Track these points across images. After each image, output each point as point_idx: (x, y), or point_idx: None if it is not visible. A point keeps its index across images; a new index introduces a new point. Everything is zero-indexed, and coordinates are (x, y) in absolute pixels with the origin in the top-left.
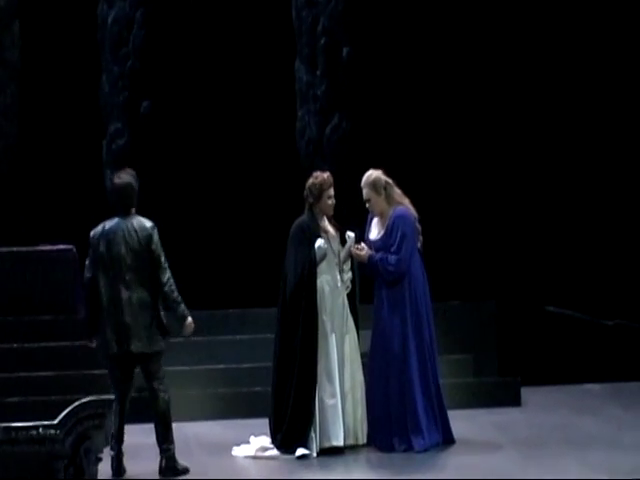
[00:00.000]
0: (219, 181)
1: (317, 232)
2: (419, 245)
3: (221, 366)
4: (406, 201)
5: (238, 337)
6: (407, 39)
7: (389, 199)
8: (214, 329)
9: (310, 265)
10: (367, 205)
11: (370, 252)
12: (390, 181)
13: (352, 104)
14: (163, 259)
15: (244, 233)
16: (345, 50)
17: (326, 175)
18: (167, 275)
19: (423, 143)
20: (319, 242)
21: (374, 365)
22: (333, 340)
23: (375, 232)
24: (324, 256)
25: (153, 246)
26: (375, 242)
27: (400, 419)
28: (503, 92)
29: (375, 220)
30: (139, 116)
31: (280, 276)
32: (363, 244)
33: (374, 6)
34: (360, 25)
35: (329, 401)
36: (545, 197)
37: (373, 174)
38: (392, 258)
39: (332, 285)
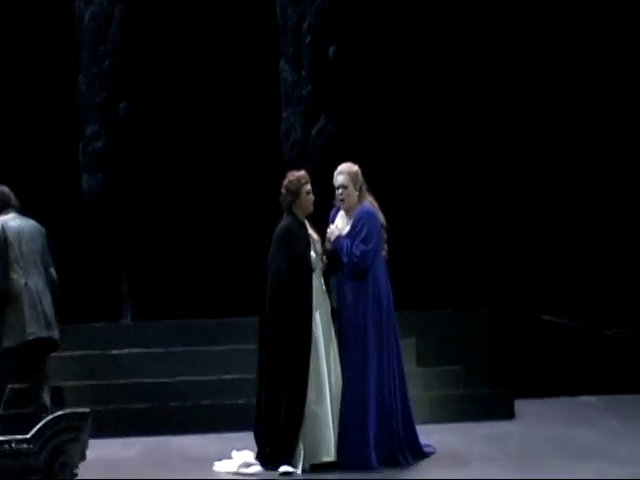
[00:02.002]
0: (200, 185)
1: (306, 237)
2: (384, 253)
3: (202, 378)
4: (376, 205)
5: (218, 348)
6: (396, 37)
7: (360, 197)
8: (193, 339)
9: (305, 272)
10: (339, 192)
11: (339, 234)
12: (364, 182)
13: (339, 105)
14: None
15: (224, 239)
16: (331, 49)
17: (301, 171)
18: None
19: (413, 146)
20: (314, 255)
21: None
22: (322, 349)
23: (341, 228)
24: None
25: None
26: (342, 237)
27: (352, 432)
28: (497, 94)
29: (340, 215)
30: (117, 118)
31: (262, 283)
32: (334, 226)
33: (361, 3)
34: (347, 23)
35: (320, 414)
36: (540, 200)
37: (356, 166)
38: (357, 249)
39: (319, 291)
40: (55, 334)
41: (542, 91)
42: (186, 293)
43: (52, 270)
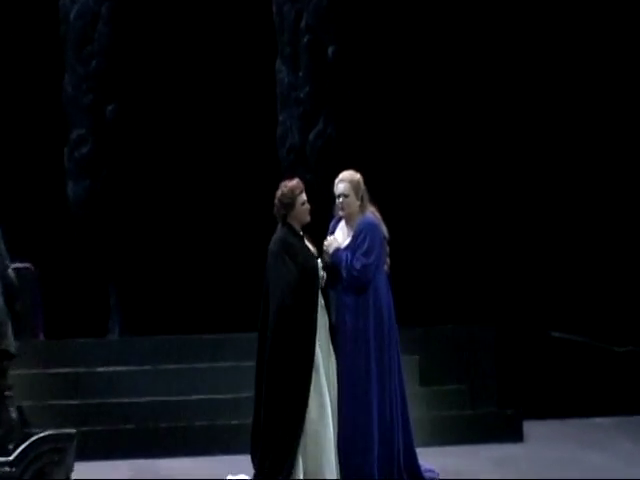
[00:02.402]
0: (192, 193)
1: (308, 248)
2: (386, 267)
3: (194, 397)
4: (379, 216)
5: (212, 365)
6: (398, 37)
7: (362, 207)
8: (187, 356)
9: (312, 287)
10: (339, 200)
11: (339, 245)
12: (366, 191)
13: (338, 108)
14: None
15: (219, 251)
16: (330, 49)
17: (294, 181)
18: None
19: (417, 152)
20: (320, 270)
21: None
22: (321, 367)
23: (341, 240)
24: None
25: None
26: (341, 250)
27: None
28: (503, 98)
29: (340, 226)
30: (105, 121)
31: (261, 298)
32: (333, 237)
33: (362, 1)
34: (347, 21)
35: (322, 433)
36: (550, 212)
37: (358, 175)
38: (358, 262)
39: (319, 307)
40: (7, 345)
41: (543, 96)
42: (177, 307)
43: (10, 272)
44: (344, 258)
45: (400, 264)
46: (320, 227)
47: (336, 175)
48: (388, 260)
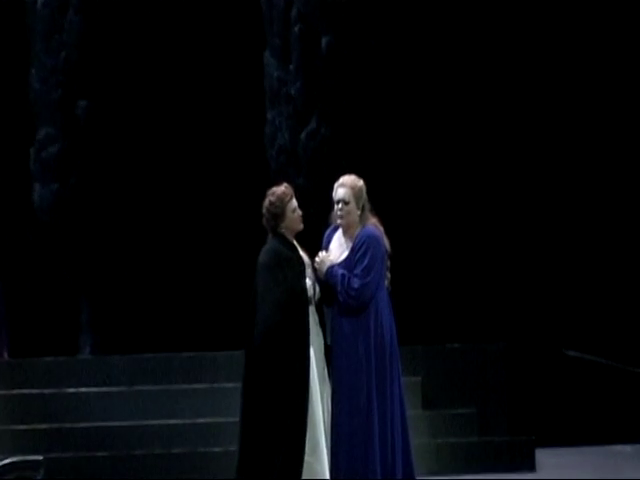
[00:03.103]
0: (171, 199)
1: (299, 261)
2: (387, 283)
3: (172, 421)
4: (381, 229)
5: (194, 386)
6: (397, 28)
7: (362, 218)
8: (165, 376)
9: (301, 304)
10: (338, 207)
11: (332, 262)
12: (368, 202)
13: (333, 105)
14: None
15: (201, 262)
16: (324, 40)
17: (282, 187)
18: None
19: (420, 155)
20: (309, 282)
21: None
22: (317, 394)
23: (337, 253)
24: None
25: None
26: (337, 264)
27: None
28: (505, 96)
29: (337, 236)
30: (75, 119)
31: (248, 314)
32: (325, 253)
33: None
34: (342, 9)
35: (315, 465)
36: (568, 221)
37: (361, 181)
38: (356, 282)
39: (312, 325)
40: None
41: (544, 98)
42: (154, 323)
43: None
44: (340, 277)
45: (400, 276)
46: (313, 236)
47: (330, 180)
48: (389, 274)
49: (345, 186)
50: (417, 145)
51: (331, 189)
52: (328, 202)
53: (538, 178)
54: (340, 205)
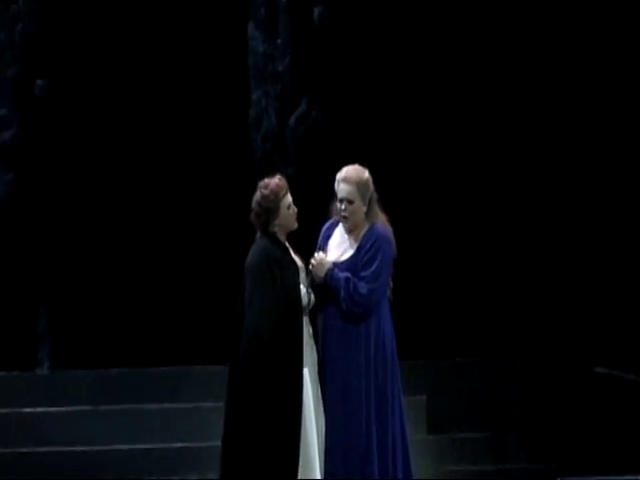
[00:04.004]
0: (142, 193)
1: (292, 263)
2: (389, 293)
3: (143, 445)
4: (389, 228)
5: (169, 406)
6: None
7: (370, 214)
8: (136, 394)
9: (295, 312)
10: (342, 207)
11: (331, 265)
12: (375, 193)
13: (325, 85)
14: None
15: (177, 264)
16: (317, 10)
17: (277, 179)
18: None
19: (422, 138)
20: (302, 289)
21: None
22: (311, 415)
23: (338, 251)
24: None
25: None
26: (339, 264)
27: None
28: (507, 90)
29: (337, 234)
30: (33, 99)
31: (233, 323)
32: (322, 254)
33: None
34: None
35: None
36: (589, 225)
37: (367, 173)
38: (363, 286)
39: (306, 337)
40: None
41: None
42: (122, 333)
43: None
44: (343, 281)
45: (401, 280)
46: (303, 236)
47: (323, 169)
48: (391, 282)
49: (348, 182)
50: (422, 129)
51: (324, 180)
52: (321, 195)
53: (556, 186)
54: (344, 205)
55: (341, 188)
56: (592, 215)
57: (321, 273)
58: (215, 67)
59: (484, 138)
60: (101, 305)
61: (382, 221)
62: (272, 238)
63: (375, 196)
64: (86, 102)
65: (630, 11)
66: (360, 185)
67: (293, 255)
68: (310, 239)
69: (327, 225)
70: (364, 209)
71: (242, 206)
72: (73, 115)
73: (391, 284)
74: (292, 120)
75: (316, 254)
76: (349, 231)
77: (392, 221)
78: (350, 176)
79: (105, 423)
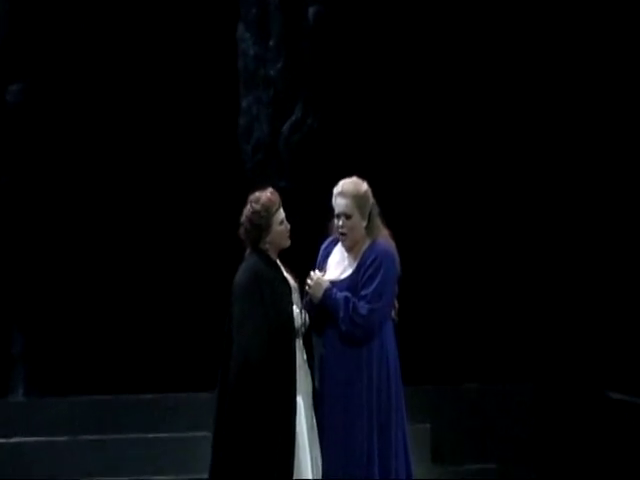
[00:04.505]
0: (122, 207)
1: (284, 283)
2: (393, 314)
3: (127, 478)
4: (393, 244)
5: (152, 435)
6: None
7: (371, 229)
8: (116, 423)
9: (287, 336)
10: (339, 222)
11: (329, 284)
12: (376, 205)
13: (321, 90)
14: None
15: (160, 283)
16: (311, 10)
17: (269, 193)
18: None
19: (424, 147)
20: (295, 310)
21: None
22: (306, 449)
23: (337, 270)
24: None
25: None
26: (338, 283)
27: None
28: (510, 91)
29: (336, 251)
30: (5, 106)
31: (221, 347)
32: (319, 272)
33: None
34: None
35: None
36: (605, 249)
37: (365, 185)
38: (363, 307)
39: (299, 364)
40: None
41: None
42: (101, 358)
43: None
44: (342, 302)
45: (405, 304)
46: (298, 252)
47: (318, 182)
48: (396, 303)
49: (345, 195)
50: (424, 137)
51: (320, 193)
52: (317, 210)
53: (568, 200)
54: (342, 221)
55: (338, 203)
56: (611, 237)
57: (318, 293)
58: (202, 71)
59: (487, 147)
60: (79, 327)
61: (384, 236)
62: (262, 256)
63: (376, 210)
64: (63, 109)
65: (630, 11)
66: (357, 198)
67: (285, 274)
68: (304, 257)
69: (326, 243)
70: (364, 224)
71: (231, 222)
72: (49, 123)
73: (396, 304)
74: (285, 128)
75: (312, 273)
76: (349, 248)
77: (394, 237)
78: (347, 189)
79: (82, 454)
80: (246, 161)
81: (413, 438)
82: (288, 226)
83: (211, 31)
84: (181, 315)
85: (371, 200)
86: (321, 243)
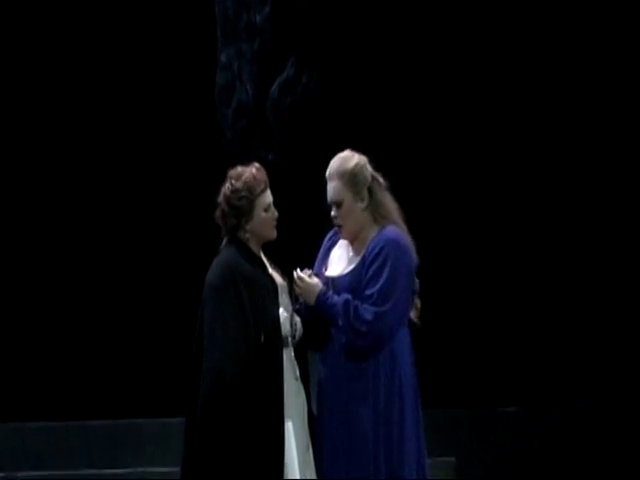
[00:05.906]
0: (83, 198)
1: (269, 281)
2: (413, 315)
3: None
4: (404, 227)
5: (111, 472)
6: None
7: (376, 210)
8: (68, 456)
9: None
10: (332, 213)
11: (321, 286)
12: (381, 179)
13: (317, 42)
14: None
15: (126, 291)
16: None
17: (253, 169)
18: None
19: (432, 115)
20: (283, 314)
21: None
22: (297, 470)
23: (339, 266)
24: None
25: None
26: (338, 280)
27: None
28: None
29: (342, 243)
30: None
31: (189, 362)
32: (307, 271)
33: None
34: None
35: None
36: (619, 266)
37: (354, 158)
38: (368, 310)
39: (290, 380)
40: None
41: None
42: (65, 380)
43: None
44: (341, 306)
45: (426, 315)
46: (287, 244)
47: (312, 151)
48: (418, 302)
49: (331, 177)
50: (427, 102)
51: (316, 170)
52: (311, 191)
53: (581, 216)
54: (333, 211)
55: (328, 188)
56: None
57: (310, 299)
58: (173, 20)
59: (487, 147)
60: (39, 346)
61: (394, 220)
62: (241, 247)
63: (379, 185)
64: (27, 98)
65: (630, 11)
66: (346, 177)
67: (270, 270)
68: (296, 250)
69: (332, 232)
70: (361, 206)
71: (204, 205)
72: (14, 127)
73: (418, 303)
74: (274, 89)
75: (297, 272)
76: (351, 240)
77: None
78: (332, 170)
79: None
80: (225, 129)
81: (434, 473)
82: (275, 214)
83: None
84: (143, 327)
85: (368, 175)
86: (318, 233)
